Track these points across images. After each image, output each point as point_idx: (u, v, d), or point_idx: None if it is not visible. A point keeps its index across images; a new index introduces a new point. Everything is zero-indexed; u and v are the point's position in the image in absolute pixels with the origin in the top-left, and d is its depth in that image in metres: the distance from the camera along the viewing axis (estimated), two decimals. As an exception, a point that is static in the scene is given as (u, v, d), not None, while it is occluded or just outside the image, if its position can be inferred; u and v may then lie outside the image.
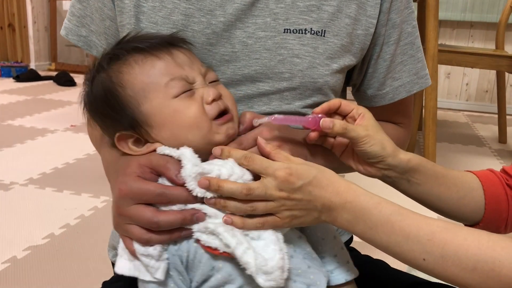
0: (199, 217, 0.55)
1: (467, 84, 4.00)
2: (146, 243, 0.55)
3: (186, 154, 0.56)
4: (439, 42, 2.54)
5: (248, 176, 0.56)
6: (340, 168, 0.74)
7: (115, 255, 0.84)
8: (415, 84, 0.79)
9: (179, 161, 0.56)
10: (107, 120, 0.62)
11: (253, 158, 0.55)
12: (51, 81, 4.26)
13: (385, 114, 0.79)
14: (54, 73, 4.37)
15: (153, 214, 0.54)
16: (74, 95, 3.78)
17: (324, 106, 0.63)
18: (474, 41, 3.89)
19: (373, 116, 0.65)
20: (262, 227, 0.56)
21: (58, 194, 1.90)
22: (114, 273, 0.85)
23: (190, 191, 0.54)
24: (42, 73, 4.42)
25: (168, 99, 0.58)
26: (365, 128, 0.62)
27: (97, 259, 1.43)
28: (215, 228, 0.54)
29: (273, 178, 0.54)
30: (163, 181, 0.57)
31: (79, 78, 4.36)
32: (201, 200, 0.55)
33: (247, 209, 0.54)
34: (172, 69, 0.59)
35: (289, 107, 0.70)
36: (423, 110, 2.33)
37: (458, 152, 2.72)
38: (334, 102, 0.64)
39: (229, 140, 0.61)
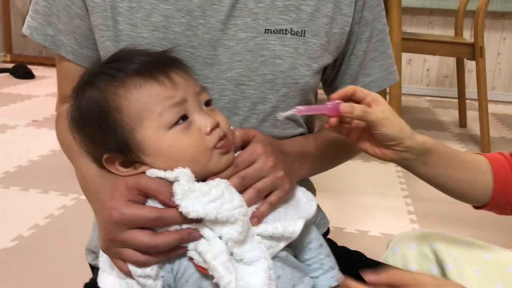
0: (195, 236, 0.55)
1: (427, 69, 4.10)
2: (143, 265, 0.55)
3: (186, 172, 0.56)
4: (401, 30, 2.58)
5: (237, 201, 0.56)
6: (325, 160, 0.76)
7: (95, 258, 0.83)
8: (385, 80, 0.82)
9: (170, 184, 0.55)
10: (95, 140, 0.59)
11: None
12: (8, 74, 4.08)
13: None
14: (10, 65, 4.19)
15: (150, 238, 0.54)
16: (33, 88, 3.65)
17: (341, 92, 0.64)
18: (434, 28, 3.98)
19: None
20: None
21: (24, 193, 1.85)
22: (93, 275, 0.84)
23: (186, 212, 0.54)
24: (-3, 66, 4.24)
25: (163, 129, 0.57)
26: (382, 111, 0.63)
27: (71, 259, 1.40)
28: (205, 255, 0.54)
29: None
30: (153, 203, 0.56)
31: (37, 70, 4.21)
32: (195, 220, 0.55)
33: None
34: (168, 94, 0.57)
35: (273, 110, 0.71)
36: (388, 98, 2.37)
37: (421, 137, 2.80)
38: (349, 88, 0.65)
39: (227, 168, 0.60)
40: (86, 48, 0.73)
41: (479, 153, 0.75)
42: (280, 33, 0.69)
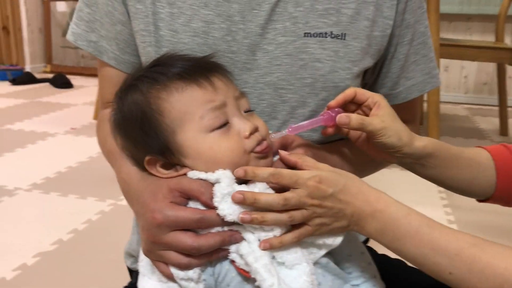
0: (237, 238, 0.55)
1: (465, 77, 4.00)
2: (186, 267, 0.54)
3: (227, 174, 0.55)
4: (439, 36, 2.54)
5: None
6: (361, 167, 0.74)
7: (134, 262, 0.84)
8: (427, 83, 0.80)
9: (211, 185, 0.55)
10: (137, 142, 0.60)
11: (281, 174, 0.54)
12: (48, 84, 4.22)
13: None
14: (50, 76, 4.33)
15: (193, 240, 0.54)
16: (71, 97, 3.76)
17: (339, 98, 0.63)
18: (472, 34, 3.89)
19: None
20: (298, 240, 0.55)
21: (63, 198, 1.89)
22: (132, 279, 0.85)
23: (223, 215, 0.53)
24: (38, 76, 4.38)
25: (203, 132, 0.57)
26: (382, 119, 0.62)
27: (109, 263, 1.42)
28: (246, 258, 0.53)
29: (305, 188, 0.53)
30: (195, 204, 0.56)
31: (75, 80, 4.33)
32: (237, 222, 0.54)
33: (286, 219, 0.54)
34: (209, 98, 0.58)
35: (312, 114, 0.70)
36: (426, 105, 2.32)
37: (460, 145, 2.71)
38: (349, 92, 0.64)
39: None
40: (128, 53, 0.74)
41: (482, 147, 0.74)
42: (320, 37, 0.68)
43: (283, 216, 0.53)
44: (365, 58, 0.72)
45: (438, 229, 0.54)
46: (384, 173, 0.72)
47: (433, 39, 2.14)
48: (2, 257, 1.46)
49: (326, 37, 0.68)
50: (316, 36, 0.68)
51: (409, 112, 0.83)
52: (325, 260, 0.60)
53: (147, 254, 0.57)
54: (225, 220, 0.53)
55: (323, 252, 0.59)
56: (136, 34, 0.71)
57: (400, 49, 0.76)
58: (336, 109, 0.63)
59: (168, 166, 0.59)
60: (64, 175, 2.14)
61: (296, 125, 0.61)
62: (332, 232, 0.57)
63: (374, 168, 0.82)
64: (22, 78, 4.23)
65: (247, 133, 0.58)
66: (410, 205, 0.60)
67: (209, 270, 0.56)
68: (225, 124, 0.58)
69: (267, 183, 0.56)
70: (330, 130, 0.64)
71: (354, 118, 0.60)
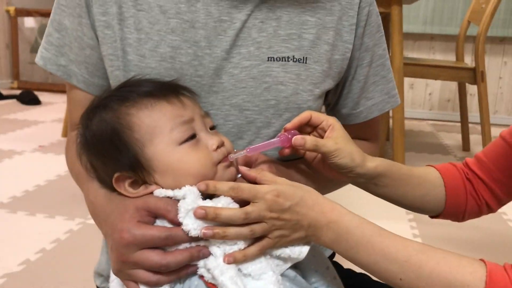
0: (205, 253, 0.56)
1: (430, 94, 4.14)
2: (155, 285, 0.56)
3: (193, 190, 0.57)
4: (403, 55, 2.63)
5: None
6: (323, 185, 0.77)
7: (104, 281, 0.84)
8: (387, 103, 0.84)
9: (177, 202, 0.57)
10: (106, 160, 0.61)
11: (240, 188, 0.57)
12: (15, 100, 4.15)
13: (355, 131, 0.83)
14: (17, 92, 4.26)
15: (161, 257, 0.55)
16: (40, 114, 3.70)
17: (295, 121, 0.67)
18: (435, 53, 4.03)
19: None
20: (261, 252, 0.58)
21: (31, 218, 1.86)
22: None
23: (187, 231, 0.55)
24: (4, 92, 4.29)
25: (173, 145, 0.59)
26: (335, 141, 0.65)
27: (78, 283, 1.41)
28: (213, 272, 0.55)
29: (263, 201, 0.56)
30: (162, 223, 0.57)
31: (43, 96, 4.27)
32: (205, 238, 0.56)
33: (247, 233, 0.56)
34: (178, 113, 0.60)
35: (277, 134, 0.73)
36: (391, 122, 2.40)
37: (425, 161, 2.80)
38: (305, 115, 0.67)
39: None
40: (97, 77, 0.75)
41: (431, 165, 0.79)
42: (282, 61, 0.71)
43: (244, 230, 0.56)
44: (326, 80, 0.75)
45: (388, 237, 0.58)
46: (350, 187, 0.76)
47: (397, 59, 2.24)
48: (-33, 278, 1.43)
49: (289, 61, 0.72)
50: (279, 60, 0.71)
51: (370, 131, 0.87)
52: (293, 273, 0.62)
53: (117, 273, 0.59)
54: (190, 235, 0.55)
55: (289, 264, 0.61)
56: (104, 58, 0.72)
57: (360, 71, 0.80)
58: (292, 131, 0.66)
59: (136, 184, 0.61)
60: (32, 194, 2.10)
61: (254, 146, 0.65)
62: (292, 243, 0.59)
63: (336, 185, 0.85)
64: (-13, 94, 4.14)
65: (214, 146, 0.61)
66: (377, 219, 0.64)
67: (178, 286, 0.57)
68: (192, 138, 0.60)
69: (230, 197, 0.58)
70: (286, 151, 0.67)
71: (309, 140, 0.64)
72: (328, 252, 0.87)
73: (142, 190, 0.60)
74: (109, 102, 0.62)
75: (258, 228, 0.56)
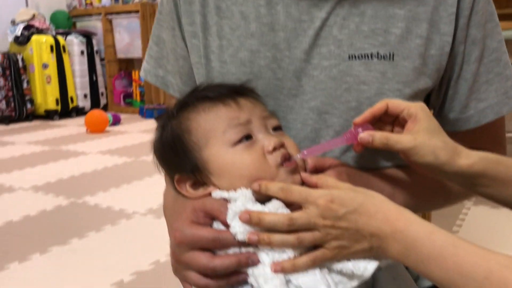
0: (254, 260, 0.54)
1: None
2: None
3: (246, 193, 0.56)
4: None
5: None
6: (423, 197, 0.68)
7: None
8: (505, 104, 0.71)
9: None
10: (171, 164, 0.64)
11: (290, 189, 0.53)
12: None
13: (472, 141, 0.71)
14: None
15: (208, 260, 0.54)
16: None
17: (366, 115, 0.60)
18: None
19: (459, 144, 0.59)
20: (314, 263, 0.53)
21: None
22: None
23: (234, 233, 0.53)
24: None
25: (226, 147, 0.59)
26: (414, 136, 0.57)
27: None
28: (258, 279, 0.52)
29: (315, 207, 0.51)
30: (218, 225, 0.56)
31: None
32: (255, 244, 0.54)
33: (293, 241, 0.52)
34: (233, 115, 0.60)
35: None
36: None
37: None
38: (380, 106, 0.60)
39: None
40: (189, 86, 0.78)
41: None
42: (365, 58, 0.66)
43: (291, 238, 0.52)
44: (420, 79, 0.67)
45: (464, 249, 0.48)
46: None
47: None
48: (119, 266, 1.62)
49: (372, 59, 0.66)
50: (361, 58, 0.66)
51: (492, 142, 0.75)
52: None
53: (175, 273, 0.59)
54: (236, 238, 0.53)
55: (354, 283, 0.54)
56: (193, 67, 0.75)
57: (467, 68, 0.70)
58: (364, 125, 0.59)
59: (197, 185, 0.61)
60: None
61: (311, 148, 0.60)
62: (356, 256, 0.53)
63: (432, 204, 0.74)
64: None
65: (270, 148, 0.58)
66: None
67: None
68: (247, 139, 0.59)
69: (281, 199, 0.54)
70: (358, 150, 0.61)
71: (378, 136, 0.57)
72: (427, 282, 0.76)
73: (201, 191, 0.60)
74: (174, 109, 0.64)
75: (307, 236, 0.52)
